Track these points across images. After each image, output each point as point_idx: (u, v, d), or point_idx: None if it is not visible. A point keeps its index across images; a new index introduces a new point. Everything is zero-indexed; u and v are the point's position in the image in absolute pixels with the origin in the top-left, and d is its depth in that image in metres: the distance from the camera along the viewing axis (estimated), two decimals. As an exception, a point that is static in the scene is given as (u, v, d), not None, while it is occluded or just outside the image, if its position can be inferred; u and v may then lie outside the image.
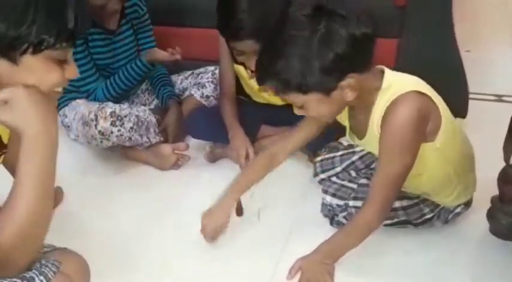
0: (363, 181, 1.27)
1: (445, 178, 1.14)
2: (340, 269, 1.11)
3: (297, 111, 1.05)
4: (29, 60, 0.73)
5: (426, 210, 1.20)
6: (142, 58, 1.57)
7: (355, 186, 1.27)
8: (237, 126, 1.47)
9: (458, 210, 1.22)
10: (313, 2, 0.94)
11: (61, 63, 0.77)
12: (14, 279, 0.70)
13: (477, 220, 1.23)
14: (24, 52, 0.72)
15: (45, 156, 0.72)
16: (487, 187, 1.19)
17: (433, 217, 1.21)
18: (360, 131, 1.11)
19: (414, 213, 1.20)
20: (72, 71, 0.79)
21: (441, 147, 1.06)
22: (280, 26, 0.97)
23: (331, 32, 0.92)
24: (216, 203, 1.23)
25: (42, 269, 0.74)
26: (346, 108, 1.12)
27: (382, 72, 1.04)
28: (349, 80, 0.96)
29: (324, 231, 1.18)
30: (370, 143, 1.08)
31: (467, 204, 1.24)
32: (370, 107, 1.04)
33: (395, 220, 1.20)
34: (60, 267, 0.76)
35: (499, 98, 1.84)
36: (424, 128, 1.01)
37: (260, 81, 1.03)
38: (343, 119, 1.16)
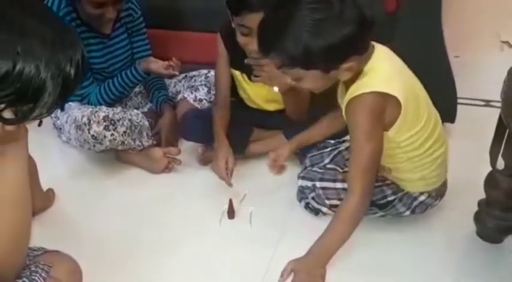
0: (330, 166, 1.34)
1: (399, 162, 1.18)
2: (333, 270, 1.13)
3: (290, 82, 1.08)
4: None
5: (388, 192, 1.24)
6: (138, 67, 1.57)
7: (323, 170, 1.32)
8: (222, 137, 1.47)
9: (422, 198, 1.24)
10: None
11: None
12: None
13: (464, 223, 1.25)
14: None
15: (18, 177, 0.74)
16: (474, 191, 1.22)
17: (394, 200, 1.25)
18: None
19: (377, 194, 1.23)
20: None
21: (394, 136, 1.10)
22: (292, 2, 0.99)
23: (344, 14, 0.95)
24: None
25: (32, 276, 0.74)
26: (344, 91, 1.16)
27: (373, 49, 1.07)
28: (351, 63, 1.01)
29: (316, 233, 1.19)
30: None
31: (435, 196, 1.25)
32: (349, 85, 1.08)
33: None
34: (50, 271, 0.76)
35: (487, 103, 1.87)
36: (381, 119, 1.06)
37: (264, 53, 1.06)
38: (340, 100, 1.19)
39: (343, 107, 1.10)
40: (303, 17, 0.96)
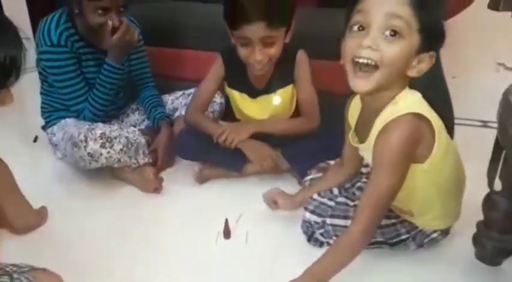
0: (341, 199, 1.28)
1: (426, 199, 1.15)
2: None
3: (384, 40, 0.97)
4: None
5: (402, 230, 1.21)
6: (107, 59, 1.54)
7: (333, 204, 1.28)
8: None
9: (434, 235, 1.23)
10: None
11: None
12: None
13: (463, 245, 1.23)
14: None
15: None
16: (472, 212, 1.20)
17: (407, 238, 1.22)
18: (363, 135, 1.11)
19: (390, 232, 1.20)
20: None
21: (429, 169, 1.07)
22: None
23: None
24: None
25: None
26: (359, 107, 1.13)
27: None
28: (428, 54, 0.99)
29: (312, 253, 1.17)
30: (368, 150, 1.08)
31: (445, 231, 1.24)
32: (378, 112, 1.05)
33: (372, 240, 1.19)
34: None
35: (485, 124, 1.88)
36: (414, 151, 1.03)
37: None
38: (351, 118, 1.16)
39: (375, 128, 1.05)
40: None
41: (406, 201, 1.16)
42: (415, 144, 1.02)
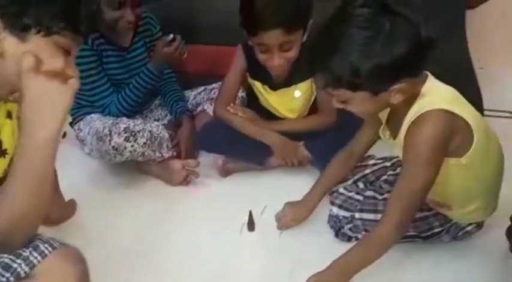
0: (369, 193, 1.26)
1: (468, 193, 1.12)
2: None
3: (336, 105, 1.04)
4: (37, 40, 0.77)
5: (436, 223, 1.19)
6: (149, 65, 1.58)
7: (361, 198, 1.26)
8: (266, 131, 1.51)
9: (469, 228, 1.20)
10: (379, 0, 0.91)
11: (66, 54, 0.80)
12: (10, 256, 0.73)
13: (496, 238, 1.20)
14: (35, 33, 0.76)
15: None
16: (505, 205, 1.17)
17: (441, 231, 1.19)
18: (395, 130, 1.09)
19: (422, 226, 1.18)
20: (72, 69, 0.81)
21: (469, 164, 1.04)
22: (340, 19, 0.94)
23: (396, 34, 0.89)
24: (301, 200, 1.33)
25: (36, 242, 0.75)
26: None
27: (426, 75, 1.03)
28: (402, 85, 0.95)
29: (337, 246, 1.16)
30: (399, 145, 1.06)
31: (480, 224, 1.21)
32: (407, 110, 1.02)
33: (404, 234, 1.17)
34: (56, 246, 0.77)
35: (514, 115, 1.83)
36: (446, 146, 1.00)
37: (310, 73, 1.03)
38: (382, 113, 1.14)
39: (401, 131, 1.03)
40: (351, 36, 0.91)
41: (444, 195, 1.13)
42: (445, 139, 0.99)
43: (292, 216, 1.31)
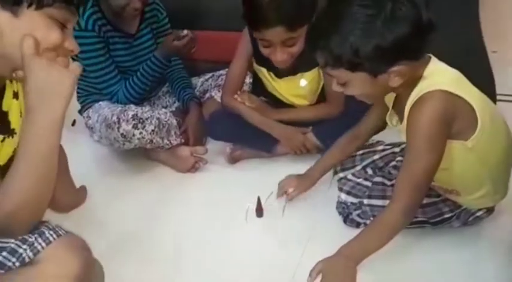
0: (378, 179, 1.25)
1: (476, 178, 1.10)
2: (362, 271, 1.09)
3: (336, 88, 1.03)
4: (31, 14, 0.75)
5: (445, 209, 1.17)
6: (156, 53, 1.58)
7: (369, 184, 1.25)
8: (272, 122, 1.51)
9: (479, 213, 1.18)
10: None
11: (62, 27, 0.79)
12: (16, 242, 0.73)
13: (507, 223, 1.19)
14: (28, 7, 0.75)
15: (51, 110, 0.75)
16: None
17: (451, 217, 1.18)
18: (401, 115, 1.08)
19: (431, 211, 1.17)
20: (71, 43, 0.80)
21: (475, 148, 1.02)
22: (342, 0, 0.94)
23: (397, 14, 0.89)
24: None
25: (42, 229, 0.75)
26: None
27: (429, 58, 1.01)
28: (400, 67, 0.95)
29: (346, 232, 1.16)
30: (404, 129, 1.05)
31: (491, 209, 1.19)
32: (409, 94, 1.01)
33: (413, 220, 1.15)
34: (62, 234, 0.77)
35: (527, 99, 1.78)
36: (448, 127, 0.99)
37: (310, 51, 1.01)
38: (388, 99, 1.13)
39: (405, 115, 1.02)
40: (352, 15, 0.91)
41: (452, 181, 1.11)
42: (446, 120, 0.97)
43: (296, 185, 1.32)
